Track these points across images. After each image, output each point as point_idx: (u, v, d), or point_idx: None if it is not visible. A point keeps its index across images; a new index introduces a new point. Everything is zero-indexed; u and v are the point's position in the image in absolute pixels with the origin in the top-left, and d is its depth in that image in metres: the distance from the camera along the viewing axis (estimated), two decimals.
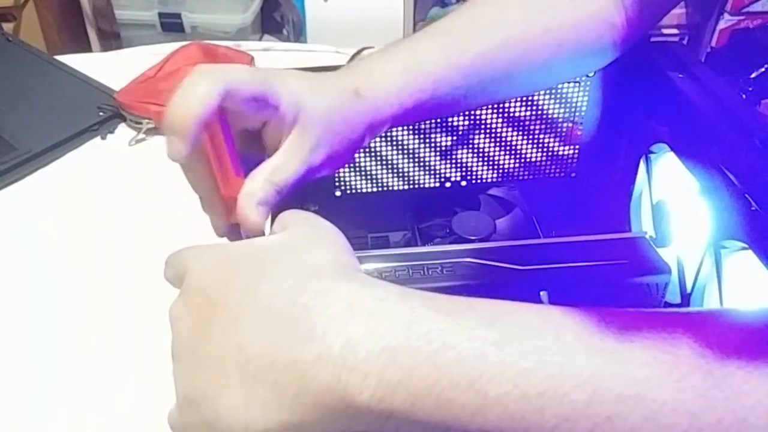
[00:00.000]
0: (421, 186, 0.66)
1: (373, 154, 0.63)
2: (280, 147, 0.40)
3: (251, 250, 0.34)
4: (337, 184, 0.65)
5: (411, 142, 0.63)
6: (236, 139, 0.40)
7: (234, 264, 0.33)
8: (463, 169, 0.66)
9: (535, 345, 0.27)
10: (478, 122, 0.63)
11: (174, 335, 0.32)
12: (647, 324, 0.27)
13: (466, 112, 0.62)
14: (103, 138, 0.93)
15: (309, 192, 0.61)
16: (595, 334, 0.27)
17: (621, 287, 0.52)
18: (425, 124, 0.62)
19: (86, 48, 1.85)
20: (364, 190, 0.65)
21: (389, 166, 0.65)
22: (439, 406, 0.26)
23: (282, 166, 0.40)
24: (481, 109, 0.62)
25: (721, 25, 1.82)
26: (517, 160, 0.66)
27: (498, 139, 0.64)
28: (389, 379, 0.27)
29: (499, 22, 0.48)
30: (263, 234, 0.39)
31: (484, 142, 0.64)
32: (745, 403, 0.24)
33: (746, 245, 0.46)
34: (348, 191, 0.65)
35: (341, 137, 0.42)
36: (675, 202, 0.58)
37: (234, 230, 0.41)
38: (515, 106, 0.63)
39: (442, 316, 0.28)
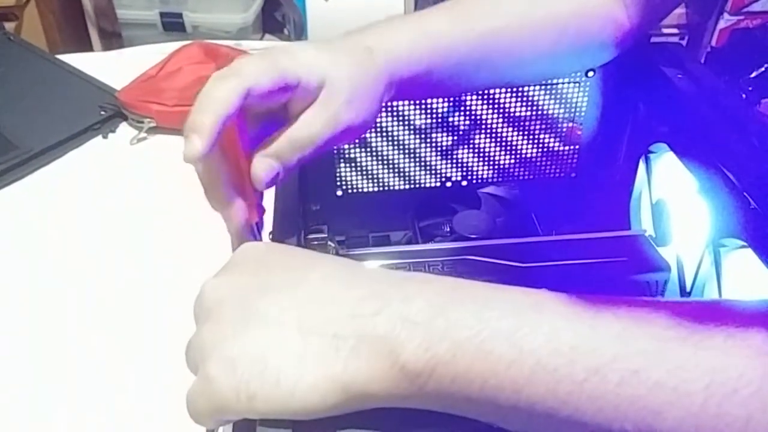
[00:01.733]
0: (422, 186, 0.66)
1: (374, 153, 0.64)
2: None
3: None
4: (338, 183, 0.65)
5: (412, 141, 0.64)
6: (262, 120, 0.41)
7: (290, 248, 0.37)
8: (464, 168, 0.66)
9: (570, 310, 0.29)
10: (478, 122, 0.63)
11: (214, 303, 0.33)
12: (670, 302, 0.29)
13: (467, 112, 0.62)
14: (105, 137, 0.93)
15: (310, 192, 0.61)
16: (623, 305, 0.29)
17: (620, 284, 0.52)
18: (426, 122, 0.63)
19: (87, 47, 1.85)
20: (365, 190, 0.66)
21: (390, 166, 0.65)
22: (478, 356, 0.28)
23: (305, 123, 0.40)
24: (482, 109, 0.63)
25: (721, 24, 1.82)
26: (518, 160, 0.66)
27: (498, 139, 0.65)
28: (435, 329, 0.29)
29: (503, 5, 0.50)
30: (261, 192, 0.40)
31: (485, 142, 0.65)
32: (761, 372, 0.25)
33: (745, 243, 0.46)
34: (349, 191, 0.65)
35: (366, 92, 0.42)
36: (674, 202, 0.58)
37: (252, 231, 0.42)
38: (516, 106, 0.63)
39: (484, 286, 0.31)
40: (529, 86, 0.62)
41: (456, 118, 0.63)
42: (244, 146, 0.39)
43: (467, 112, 0.63)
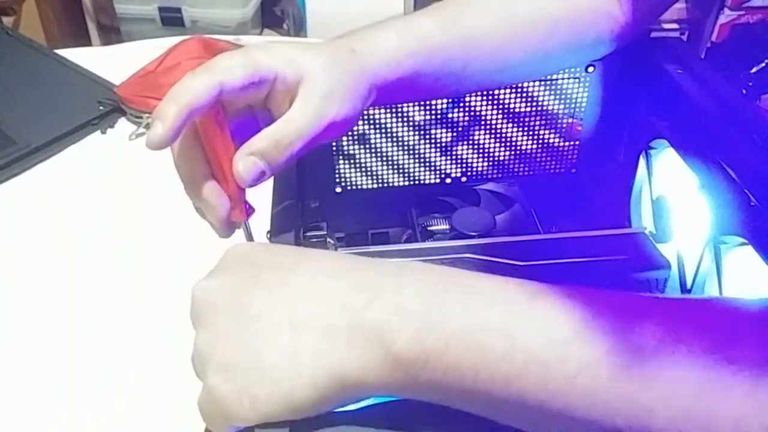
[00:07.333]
0: (422, 182, 0.66)
1: (373, 150, 0.63)
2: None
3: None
4: (337, 180, 0.65)
5: (411, 138, 0.63)
6: (245, 117, 0.40)
7: (278, 246, 0.37)
8: (464, 165, 0.66)
9: (564, 303, 0.28)
10: (478, 118, 0.63)
11: (205, 308, 0.33)
12: (660, 301, 0.29)
13: (466, 108, 0.62)
14: (103, 132, 0.93)
15: (309, 188, 0.61)
16: (618, 300, 0.29)
17: (620, 282, 0.52)
18: (425, 118, 0.62)
19: (86, 42, 1.84)
20: (364, 187, 0.65)
21: (390, 163, 0.65)
22: (470, 348, 0.28)
23: (289, 120, 0.39)
24: (482, 105, 0.62)
25: (722, 20, 1.82)
26: (518, 156, 0.66)
27: (498, 135, 0.64)
28: (428, 318, 0.29)
29: (491, 4, 0.49)
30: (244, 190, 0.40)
31: (485, 138, 0.64)
32: (755, 372, 0.25)
33: (745, 241, 0.46)
34: (348, 187, 0.65)
35: (347, 87, 0.41)
36: (675, 198, 0.58)
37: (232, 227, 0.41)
38: (515, 102, 0.63)
39: (478, 276, 0.31)
40: (528, 82, 0.61)
41: (455, 114, 0.63)
42: (226, 143, 0.39)
43: (467, 108, 0.62)
